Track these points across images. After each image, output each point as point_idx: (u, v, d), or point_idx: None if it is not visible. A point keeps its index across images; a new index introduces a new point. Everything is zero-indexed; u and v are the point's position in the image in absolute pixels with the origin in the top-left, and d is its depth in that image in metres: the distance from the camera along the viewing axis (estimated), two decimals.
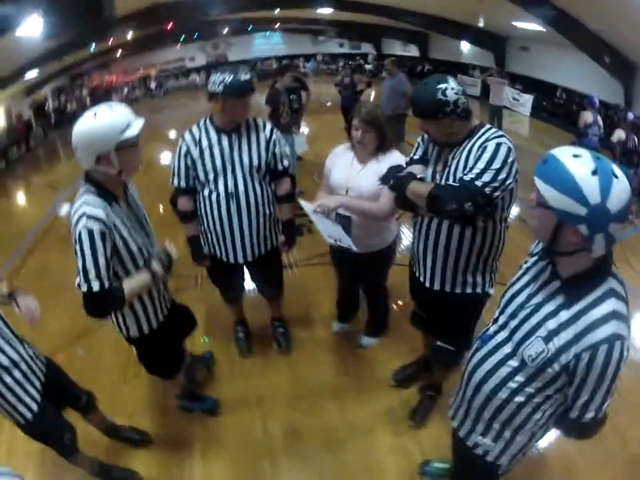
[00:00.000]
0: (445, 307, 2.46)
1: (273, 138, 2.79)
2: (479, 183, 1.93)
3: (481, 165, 1.96)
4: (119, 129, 1.85)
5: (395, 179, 2.27)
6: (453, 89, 2.00)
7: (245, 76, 2.52)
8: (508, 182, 1.96)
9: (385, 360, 3.40)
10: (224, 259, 2.94)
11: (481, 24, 10.22)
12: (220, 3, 13.13)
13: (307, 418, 3.00)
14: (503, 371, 1.53)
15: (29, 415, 2.06)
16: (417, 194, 2.09)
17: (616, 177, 1.22)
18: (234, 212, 2.75)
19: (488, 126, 2.16)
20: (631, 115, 8.04)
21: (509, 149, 1.99)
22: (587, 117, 7.28)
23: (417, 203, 2.17)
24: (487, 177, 1.93)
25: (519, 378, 1.48)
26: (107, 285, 1.89)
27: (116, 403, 3.06)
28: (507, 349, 1.53)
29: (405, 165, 2.39)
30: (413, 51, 23.04)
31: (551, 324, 1.38)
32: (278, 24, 22.20)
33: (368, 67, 24.13)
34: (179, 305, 2.70)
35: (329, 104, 14.67)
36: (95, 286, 1.87)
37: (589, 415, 1.39)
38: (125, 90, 22.02)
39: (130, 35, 14.00)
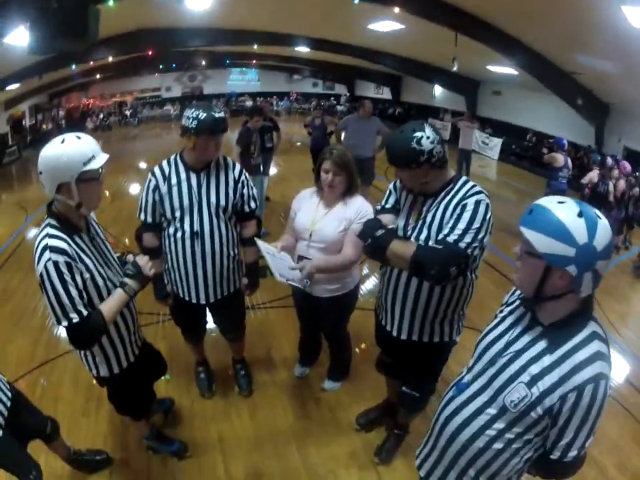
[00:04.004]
0: (412, 355, 2.44)
1: (241, 179, 2.77)
2: (462, 245, 1.91)
3: (462, 224, 1.94)
4: (83, 159, 1.84)
5: (373, 238, 2.07)
6: (428, 137, 1.97)
7: (219, 114, 2.52)
8: (486, 239, 1.97)
9: (347, 404, 3.37)
10: (186, 299, 2.88)
11: (455, 68, 10.44)
12: (200, 35, 13.25)
13: (269, 461, 2.93)
14: (481, 419, 1.51)
15: None
16: (399, 256, 2.00)
17: (599, 217, 1.30)
18: (198, 252, 2.71)
19: (464, 178, 2.15)
20: (609, 161, 7.75)
21: (487, 206, 1.99)
22: (558, 159, 7.26)
23: (396, 264, 2.13)
24: (468, 238, 1.92)
25: (498, 425, 1.47)
26: (85, 313, 1.85)
27: (76, 437, 2.94)
28: (485, 397, 1.52)
29: (375, 214, 2.35)
30: (385, 94, 23.59)
31: (534, 369, 1.39)
32: (255, 60, 22.39)
33: (340, 107, 24.50)
34: (151, 347, 2.66)
35: (298, 144, 14.84)
36: (75, 318, 1.83)
37: (572, 453, 1.38)
38: (101, 115, 21.92)
39: (110, 59, 13.99)
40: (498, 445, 1.48)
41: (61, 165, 1.82)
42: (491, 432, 1.48)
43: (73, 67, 13.37)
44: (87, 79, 18.73)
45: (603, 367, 1.31)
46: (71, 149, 1.83)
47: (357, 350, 3.81)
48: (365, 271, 5.55)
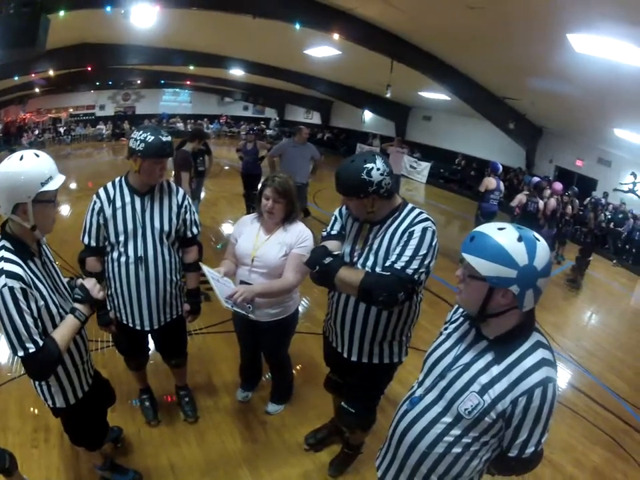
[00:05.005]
0: (360, 375, 2.50)
1: (184, 204, 2.79)
2: (409, 271, 1.98)
3: (409, 252, 2.02)
4: (41, 179, 1.80)
5: (321, 266, 2.15)
6: (379, 169, 2.04)
7: (166, 137, 2.54)
8: (432, 264, 2.06)
9: (292, 425, 3.43)
10: (130, 325, 2.85)
11: (388, 94, 10.72)
12: (141, 53, 13.27)
13: None
14: (438, 428, 1.58)
15: None
16: (347, 283, 2.07)
17: (538, 240, 1.43)
18: (142, 277, 2.70)
19: (410, 206, 2.23)
20: (535, 179, 8.44)
21: (434, 232, 2.10)
22: (490, 182, 7.63)
23: (344, 290, 2.20)
24: (415, 264, 1.99)
25: (455, 431, 1.55)
26: (41, 343, 1.78)
27: (29, 469, 2.81)
28: (438, 407, 1.60)
29: (321, 240, 2.38)
30: (315, 118, 23.92)
31: (484, 379, 1.49)
32: (189, 81, 22.11)
33: (269, 132, 24.69)
34: (100, 375, 2.61)
35: (226, 168, 14.89)
36: (31, 347, 1.76)
37: (529, 450, 1.48)
38: (36, 131, 21.04)
39: (51, 72, 13.47)
40: (457, 450, 1.56)
41: (19, 183, 1.75)
42: (448, 438, 1.57)
43: (16, 78, 13.03)
44: (27, 92, 18.06)
45: (549, 372, 1.43)
46: (30, 167, 1.78)
47: (295, 372, 3.87)
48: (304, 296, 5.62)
